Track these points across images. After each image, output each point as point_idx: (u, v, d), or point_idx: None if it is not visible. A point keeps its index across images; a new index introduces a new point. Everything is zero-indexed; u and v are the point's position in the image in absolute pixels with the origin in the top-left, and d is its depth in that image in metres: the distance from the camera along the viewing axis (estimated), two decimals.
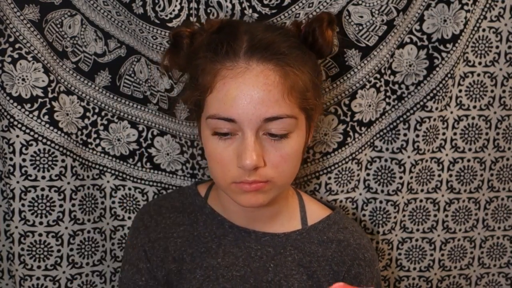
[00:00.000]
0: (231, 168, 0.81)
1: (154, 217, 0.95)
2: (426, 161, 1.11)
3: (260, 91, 0.78)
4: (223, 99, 0.79)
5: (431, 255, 1.17)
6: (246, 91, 0.78)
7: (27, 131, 1.01)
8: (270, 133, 0.80)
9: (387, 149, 1.10)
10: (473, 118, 1.11)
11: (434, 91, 1.06)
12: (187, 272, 0.90)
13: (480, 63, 1.09)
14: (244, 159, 0.79)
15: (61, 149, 1.03)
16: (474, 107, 1.11)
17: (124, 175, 1.08)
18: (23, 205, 1.04)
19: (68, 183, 1.05)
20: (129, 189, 1.09)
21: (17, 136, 1.01)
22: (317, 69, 0.88)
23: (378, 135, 1.09)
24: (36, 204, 1.04)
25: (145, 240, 0.93)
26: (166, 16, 0.96)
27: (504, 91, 1.11)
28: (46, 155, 1.03)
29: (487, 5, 1.06)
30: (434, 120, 1.08)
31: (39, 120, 1.01)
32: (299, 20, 0.92)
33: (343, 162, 1.09)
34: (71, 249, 1.08)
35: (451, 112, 1.10)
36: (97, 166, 1.07)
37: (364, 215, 1.13)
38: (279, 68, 0.79)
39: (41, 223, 1.05)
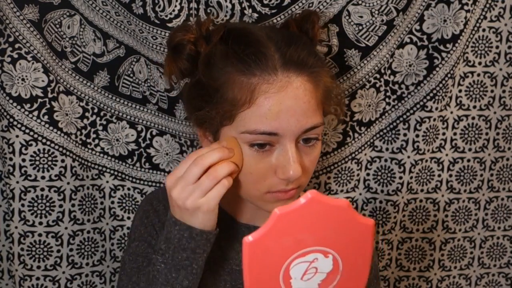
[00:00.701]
0: (267, 178, 0.81)
1: (163, 202, 0.94)
2: (426, 161, 1.11)
3: (302, 104, 0.78)
4: (265, 114, 0.78)
5: (431, 255, 1.17)
6: (290, 105, 0.78)
7: (27, 131, 1.01)
8: (304, 141, 0.81)
9: (387, 149, 1.10)
10: (473, 118, 1.11)
11: (434, 91, 1.06)
12: None
13: (480, 63, 1.09)
14: (289, 171, 0.79)
15: (60, 149, 1.03)
16: (474, 107, 1.11)
17: (123, 175, 1.08)
18: (22, 205, 1.04)
19: (68, 183, 1.05)
20: (128, 189, 1.09)
21: (17, 136, 1.01)
22: (330, 69, 0.90)
23: (378, 135, 1.09)
24: (35, 204, 1.04)
25: (156, 220, 0.93)
26: (166, 16, 0.96)
27: (504, 91, 1.11)
28: (46, 155, 1.03)
29: (487, 5, 1.06)
30: (434, 120, 1.08)
31: (38, 120, 1.01)
32: (291, 20, 0.91)
33: (343, 162, 1.09)
34: (71, 249, 1.08)
35: (451, 112, 1.10)
36: (96, 166, 1.07)
37: (364, 215, 1.13)
38: (311, 78, 0.80)
39: (40, 223, 1.05)
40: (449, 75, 1.05)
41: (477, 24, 1.06)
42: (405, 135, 1.08)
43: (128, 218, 1.10)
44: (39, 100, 1.01)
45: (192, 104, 0.88)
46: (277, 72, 0.78)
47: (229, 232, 0.91)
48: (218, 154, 0.78)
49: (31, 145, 1.02)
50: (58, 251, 1.07)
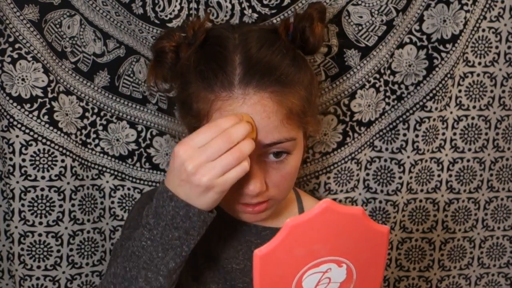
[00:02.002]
0: (234, 191, 0.79)
1: None
2: (426, 161, 1.11)
3: (259, 120, 0.76)
4: None
5: (431, 255, 1.17)
6: None
7: (27, 131, 1.01)
8: (274, 155, 0.79)
9: (386, 149, 1.10)
10: (473, 118, 1.11)
11: (434, 91, 1.06)
12: (189, 257, 0.90)
13: (479, 63, 1.09)
14: (247, 187, 0.78)
15: (60, 149, 1.03)
16: (474, 107, 1.11)
17: (123, 175, 1.08)
18: (23, 205, 1.04)
19: (68, 183, 1.05)
20: (128, 189, 1.09)
21: (17, 136, 1.01)
22: (312, 80, 0.85)
23: (377, 135, 1.09)
24: (36, 204, 1.04)
25: None
26: (166, 16, 0.97)
27: (503, 91, 1.11)
28: (46, 155, 1.03)
29: (487, 5, 1.06)
30: (434, 120, 1.08)
31: (38, 120, 1.01)
32: (288, 18, 0.88)
33: (343, 162, 1.09)
34: (71, 249, 1.08)
35: (451, 112, 1.10)
36: (96, 166, 1.08)
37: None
38: (276, 94, 0.77)
39: (41, 223, 1.05)
40: (448, 75, 1.05)
41: (477, 24, 1.06)
42: (404, 135, 1.08)
43: None
44: (39, 100, 1.01)
45: (177, 112, 0.88)
46: (233, 88, 0.76)
47: (228, 231, 0.92)
48: (246, 129, 0.72)
49: (31, 145, 1.02)
50: (58, 251, 1.07)
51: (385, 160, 1.10)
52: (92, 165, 1.07)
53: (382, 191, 1.11)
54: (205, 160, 0.70)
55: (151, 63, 0.88)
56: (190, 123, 0.81)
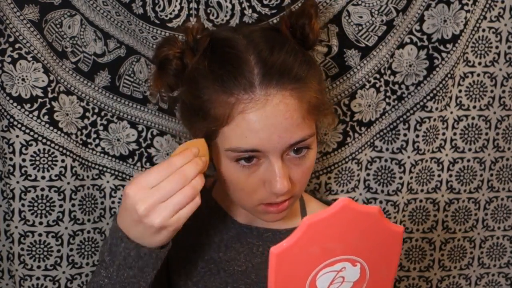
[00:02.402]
0: (258, 192, 0.80)
1: None
2: (426, 161, 1.11)
3: (283, 120, 0.76)
4: (245, 132, 0.76)
5: (431, 255, 1.18)
6: (269, 123, 0.75)
7: (27, 131, 1.01)
8: (294, 152, 0.79)
9: (387, 149, 1.10)
10: (473, 118, 1.12)
11: (434, 91, 1.06)
12: (188, 262, 0.90)
13: (480, 63, 1.09)
14: (275, 186, 0.77)
15: (61, 149, 1.03)
16: (474, 107, 1.11)
17: (124, 175, 1.08)
18: (23, 205, 1.04)
19: (68, 183, 1.05)
20: None
21: (17, 136, 1.01)
22: (321, 73, 0.86)
23: (378, 135, 1.09)
24: (36, 204, 1.04)
25: None
26: (166, 16, 0.97)
27: (503, 91, 1.11)
28: (46, 155, 1.03)
29: (487, 5, 1.06)
30: (434, 120, 1.08)
31: (39, 120, 1.01)
32: (285, 15, 0.87)
33: (343, 162, 1.10)
34: (71, 249, 1.08)
35: (451, 112, 1.10)
36: (96, 166, 1.07)
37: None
38: (295, 92, 0.77)
39: (41, 223, 1.05)
40: (449, 75, 1.06)
41: (477, 24, 1.06)
42: (405, 135, 1.08)
43: None
44: (39, 100, 1.01)
45: (184, 118, 0.86)
46: (255, 89, 0.75)
47: (230, 233, 0.91)
48: (198, 167, 0.72)
49: (31, 145, 1.02)
50: (58, 251, 1.07)
51: (386, 160, 1.10)
52: (93, 165, 1.07)
53: (382, 191, 1.11)
54: (158, 201, 0.69)
55: (155, 73, 0.86)
56: (208, 127, 0.79)
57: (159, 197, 0.69)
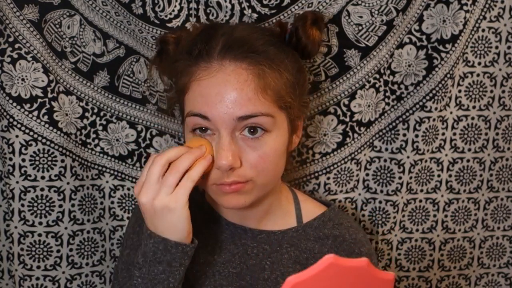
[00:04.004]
0: (211, 170, 0.81)
1: None
2: (426, 161, 1.11)
3: (232, 90, 0.78)
4: (197, 98, 0.80)
5: (431, 255, 1.17)
6: (218, 90, 0.78)
7: (27, 131, 1.01)
8: (249, 132, 0.80)
9: (386, 149, 1.10)
10: (473, 118, 1.11)
11: (434, 91, 1.06)
12: None
13: (479, 63, 1.09)
14: (220, 159, 0.79)
15: (60, 149, 1.03)
16: (474, 107, 1.11)
17: (123, 175, 1.08)
18: (22, 205, 1.04)
19: (68, 183, 1.05)
20: (128, 189, 1.09)
21: (17, 136, 1.01)
22: (298, 67, 0.87)
23: (377, 135, 1.09)
24: (35, 204, 1.04)
25: None
26: (166, 16, 0.97)
27: (503, 91, 1.11)
28: (46, 155, 1.03)
29: (487, 5, 1.06)
30: (434, 120, 1.08)
31: (38, 120, 1.01)
32: (285, 21, 0.91)
33: (342, 162, 1.09)
34: (71, 249, 1.08)
35: (451, 112, 1.10)
36: (96, 166, 1.08)
37: (363, 215, 1.13)
38: (252, 66, 0.79)
39: (40, 223, 1.05)
40: (448, 75, 1.05)
41: (477, 24, 1.06)
42: (404, 135, 1.08)
43: (128, 218, 1.10)
44: (39, 100, 1.01)
45: (168, 98, 0.93)
46: (213, 59, 0.80)
47: (224, 234, 0.91)
48: (175, 150, 0.79)
49: (31, 145, 1.02)
50: (58, 251, 1.07)
51: (385, 160, 1.10)
52: (92, 165, 1.07)
53: (382, 191, 1.11)
54: (149, 186, 0.77)
55: (154, 56, 0.93)
56: (174, 98, 0.87)
57: (149, 182, 0.77)
